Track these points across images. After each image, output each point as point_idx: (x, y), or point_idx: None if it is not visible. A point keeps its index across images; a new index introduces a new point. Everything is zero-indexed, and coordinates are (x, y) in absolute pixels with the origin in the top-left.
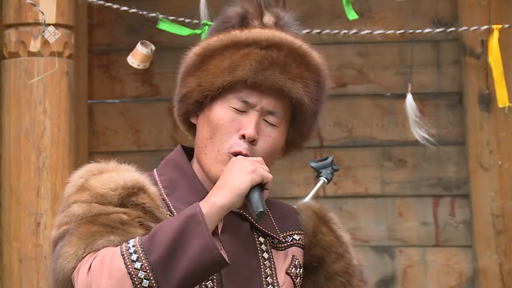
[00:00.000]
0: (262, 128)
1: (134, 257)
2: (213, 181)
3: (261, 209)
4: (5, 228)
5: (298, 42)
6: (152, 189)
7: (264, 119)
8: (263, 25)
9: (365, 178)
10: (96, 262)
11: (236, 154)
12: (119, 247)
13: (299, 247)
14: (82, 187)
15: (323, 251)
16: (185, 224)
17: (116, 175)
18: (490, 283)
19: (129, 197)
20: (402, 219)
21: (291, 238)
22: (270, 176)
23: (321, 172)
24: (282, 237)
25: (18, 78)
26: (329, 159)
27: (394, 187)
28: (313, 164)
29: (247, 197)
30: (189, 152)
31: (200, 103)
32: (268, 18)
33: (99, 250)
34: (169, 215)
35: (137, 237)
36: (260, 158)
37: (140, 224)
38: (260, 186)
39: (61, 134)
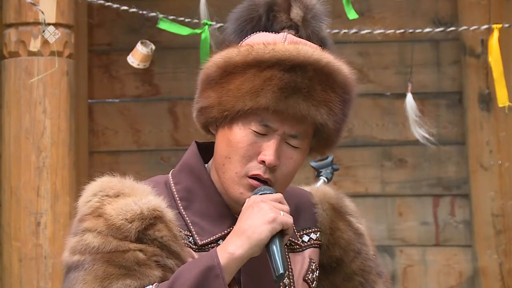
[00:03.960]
0: (284, 150)
1: None
2: (233, 200)
3: (282, 271)
4: (5, 228)
5: (324, 59)
6: (169, 215)
7: (286, 142)
8: (290, 20)
9: (365, 178)
10: None
11: (254, 176)
12: None
13: (316, 247)
14: (96, 212)
15: (341, 251)
16: (202, 277)
17: (132, 202)
18: (490, 283)
19: (145, 230)
20: (402, 219)
21: (308, 237)
22: (290, 221)
23: (321, 172)
24: (299, 236)
25: (18, 78)
26: (329, 159)
27: (394, 187)
28: (313, 164)
29: (267, 246)
30: (206, 149)
31: (221, 120)
32: (295, 13)
33: None
34: (187, 234)
35: (154, 285)
36: (280, 196)
37: (157, 264)
38: (281, 232)
39: (61, 134)
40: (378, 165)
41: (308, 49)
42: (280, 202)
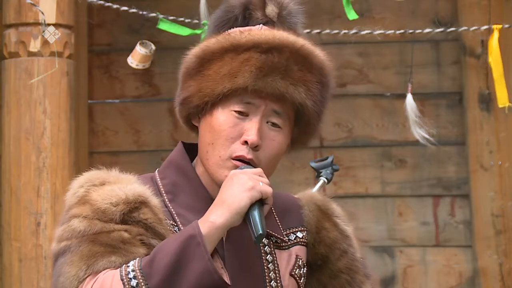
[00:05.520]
0: (266, 132)
1: (133, 282)
2: (219, 186)
3: (260, 232)
4: (5, 228)
5: (299, 42)
6: (154, 201)
7: (267, 122)
8: (266, 17)
9: (365, 178)
10: (96, 286)
11: (238, 158)
12: (118, 270)
13: (303, 245)
14: (83, 200)
15: (327, 249)
16: (184, 247)
17: (117, 188)
18: (490, 283)
19: (130, 213)
20: (402, 219)
21: (294, 236)
22: (269, 190)
23: (321, 172)
24: (285, 234)
25: (18, 78)
26: (329, 159)
27: (394, 187)
28: (313, 164)
29: (246, 214)
30: (192, 149)
31: (201, 108)
32: (270, 9)
33: (100, 271)
34: (172, 223)
35: (137, 259)
36: (259, 170)
37: (142, 243)
38: (260, 201)
39: (61, 134)
40: (378, 165)
41: (283, 34)
42: (259, 176)
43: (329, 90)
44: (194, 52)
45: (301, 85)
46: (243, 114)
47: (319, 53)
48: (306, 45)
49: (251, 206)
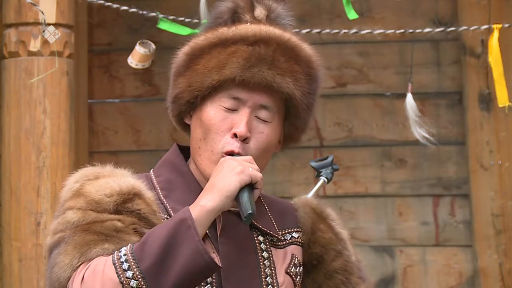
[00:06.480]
0: (254, 125)
1: (125, 266)
2: None
3: (250, 211)
4: (5, 228)
5: (286, 35)
6: (148, 194)
7: (256, 116)
8: (255, 19)
9: (365, 178)
10: (89, 272)
11: (228, 153)
12: (111, 256)
13: (298, 245)
14: (77, 193)
15: (322, 249)
16: (175, 230)
17: (111, 180)
18: (490, 283)
19: (124, 203)
20: (402, 219)
21: (290, 236)
22: (259, 175)
23: (321, 172)
24: (281, 234)
25: (18, 78)
26: (329, 159)
27: (394, 187)
28: (313, 164)
29: (236, 198)
30: (186, 151)
31: (192, 103)
32: (259, 11)
33: (94, 259)
34: (167, 218)
35: (129, 245)
36: (249, 157)
37: (135, 231)
38: (250, 186)
39: (61, 134)
40: (378, 165)
41: (270, 27)
42: (249, 162)
43: (318, 84)
44: (183, 50)
45: (289, 75)
46: (231, 109)
47: (307, 47)
48: (293, 38)
49: (241, 190)
